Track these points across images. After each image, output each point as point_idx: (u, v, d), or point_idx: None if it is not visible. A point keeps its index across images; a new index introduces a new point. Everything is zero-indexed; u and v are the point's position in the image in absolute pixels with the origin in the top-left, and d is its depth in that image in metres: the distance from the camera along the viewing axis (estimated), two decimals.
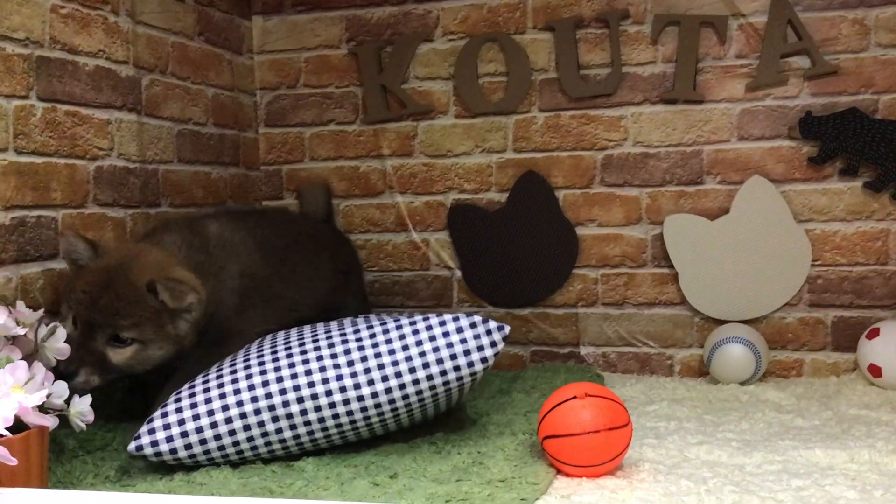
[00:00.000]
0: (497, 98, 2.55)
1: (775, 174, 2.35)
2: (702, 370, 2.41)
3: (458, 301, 2.61)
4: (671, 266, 2.42)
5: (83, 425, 1.50)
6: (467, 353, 1.64)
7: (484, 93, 2.55)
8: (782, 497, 1.40)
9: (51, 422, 1.40)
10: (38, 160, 1.80)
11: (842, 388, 2.18)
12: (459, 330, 1.66)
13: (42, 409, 1.44)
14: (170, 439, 1.59)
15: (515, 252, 2.54)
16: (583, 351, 2.51)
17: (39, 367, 1.44)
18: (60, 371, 1.60)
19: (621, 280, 2.48)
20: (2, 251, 1.70)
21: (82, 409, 1.49)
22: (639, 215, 2.46)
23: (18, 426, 1.37)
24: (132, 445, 1.59)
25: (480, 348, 1.65)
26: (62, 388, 1.49)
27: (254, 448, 1.62)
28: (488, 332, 1.66)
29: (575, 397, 1.53)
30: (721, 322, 2.38)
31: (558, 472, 1.55)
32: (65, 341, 1.57)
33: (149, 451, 1.59)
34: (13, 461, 1.28)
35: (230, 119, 2.55)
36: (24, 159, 1.76)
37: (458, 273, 2.60)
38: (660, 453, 1.67)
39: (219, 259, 1.91)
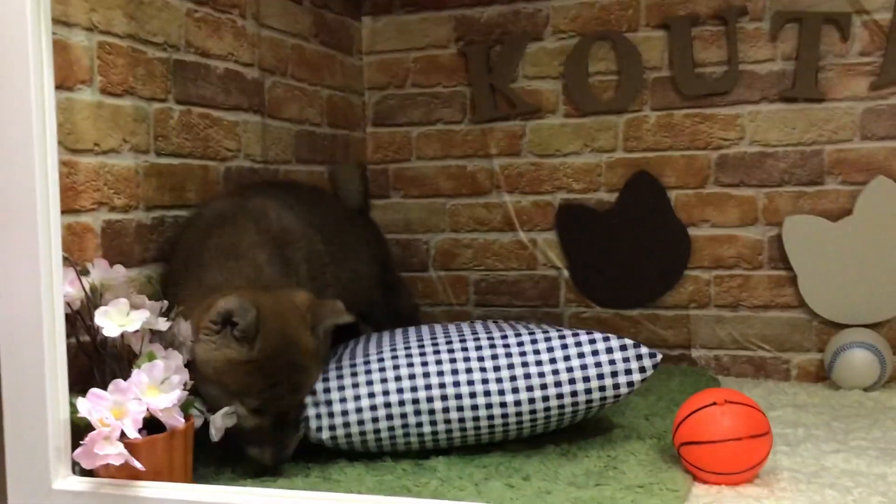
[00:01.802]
0: (607, 97, 2.52)
1: None
2: (819, 375, 2.35)
3: (564, 301, 2.60)
4: (789, 268, 2.37)
5: (215, 434, 1.53)
6: (615, 374, 1.66)
7: (594, 92, 2.54)
8: None
9: (181, 422, 1.43)
10: (175, 161, 1.85)
11: None
12: (609, 350, 1.67)
13: (187, 405, 1.49)
14: (332, 427, 1.64)
15: (625, 252, 2.52)
16: (694, 353, 2.48)
17: (175, 365, 1.47)
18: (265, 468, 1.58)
19: (735, 282, 2.43)
20: (144, 250, 1.75)
21: (219, 424, 1.53)
22: (755, 216, 2.41)
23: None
24: (313, 433, 1.63)
25: (628, 371, 1.66)
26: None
27: (393, 439, 1.65)
28: (639, 357, 1.68)
29: (714, 403, 1.51)
30: (841, 326, 2.32)
31: (695, 479, 1.53)
32: (248, 429, 1.55)
33: (325, 435, 1.64)
34: (140, 467, 1.32)
35: (342, 119, 2.58)
36: (163, 161, 1.81)
37: (566, 273, 2.59)
38: (795, 461, 1.64)
39: (292, 259, 1.79)
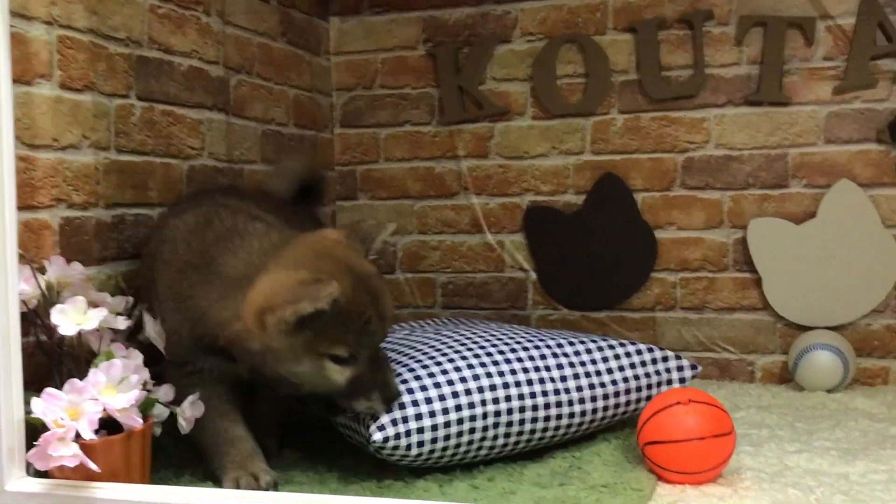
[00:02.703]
0: (575, 99, 2.53)
1: (863, 178, 2.31)
2: (784, 377, 2.37)
3: (532, 303, 2.60)
4: (754, 270, 2.38)
5: (185, 425, 1.51)
6: (659, 384, 1.76)
7: (562, 94, 2.54)
8: None
9: (139, 423, 1.40)
10: (137, 159, 1.83)
11: None
12: (654, 361, 1.76)
13: (147, 406, 1.46)
14: (408, 434, 1.49)
15: (592, 255, 2.52)
16: None
17: (136, 365, 1.44)
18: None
19: (701, 284, 2.45)
20: (103, 248, 1.72)
21: (188, 414, 1.50)
22: (720, 219, 2.42)
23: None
24: (378, 436, 1.47)
25: (670, 382, 1.77)
26: (164, 390, 1.51)
27: (467, 453, 1.57)
28: (679, 369, 1.79)
29: (678, 403, 1.51)
30: (805, 328, 2.33)
31: (659, 478, 1.53)
32: (345, 385, 1.44)
33: (391, 444, 1.48)
34: (95, 468, 1.29)
35: (309, 120, 2.56)
36: (124, 157, 1.79)
37: (533, 275, 2.59)
38: (759, 461, 1.64)
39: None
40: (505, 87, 2.59)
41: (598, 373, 1.70)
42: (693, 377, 1.80)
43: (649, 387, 1.75)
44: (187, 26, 1.99)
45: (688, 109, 2.44)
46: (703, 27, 2.40)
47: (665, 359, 1.78)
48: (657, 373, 1.76)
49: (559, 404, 1.63)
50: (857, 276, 2.30)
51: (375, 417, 1.48)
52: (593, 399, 1.67)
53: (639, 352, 1.76)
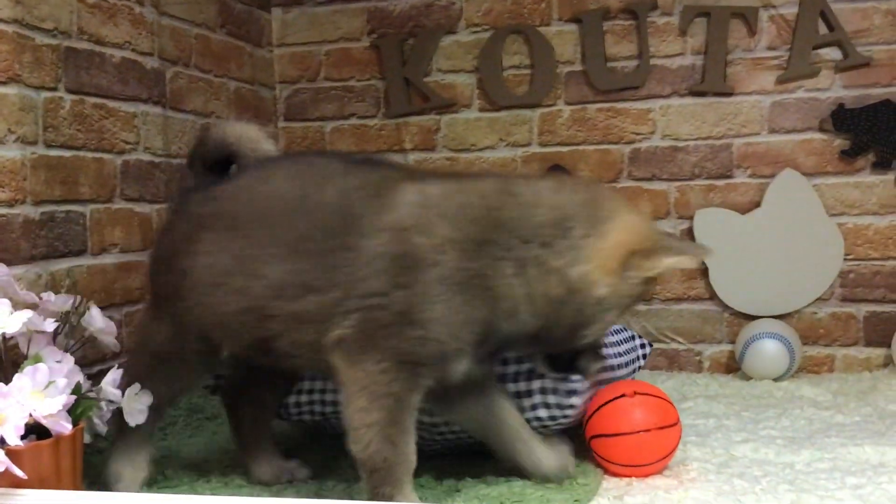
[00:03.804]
0: (522, 91, 2.51)
1: (807, 167, 2.32)
2: (731, 366, 2.37)
3: None
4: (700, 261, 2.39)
5: (140, 418, 1.46)
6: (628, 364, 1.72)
7: (508, 86, 2.52)
8: (840, 496, 1.37)
9: (67, 429, 1.35)
10: (67, 154, 1.76)
11: (877, 384, 2.15)
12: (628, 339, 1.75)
13: (78, 409, 1.41)
14: None
15: None
16: None
17: (67, 369, 1.39)
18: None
19: None
20: (32, 247, 1.66)
21: (137, 406, 1.45)
22: (667, 209, 2.42)
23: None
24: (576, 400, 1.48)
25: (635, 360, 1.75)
26: (114, 375, 1.46)
27: None
28: (642, 346, 1.79)
29: (624, 395, 1.50)
30: (752, 317, 2.34)
31: (605, 471, 1.52)
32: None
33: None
34: (21, 475, 1.24)
35: (251, 113, 2.51)
36: (53, 153, 1.72)
37: None
38: (705, 452, 1.64)
39: None
40: (451, 78, 2.56)
41: None
42: (645, 357, 1.79)
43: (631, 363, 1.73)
44: (119, 17, 1.92)
45: (633, 100, 2.43)
46: (648, 17, 2.40)
47: (632, 338, 1.76)
48: (631, 350, 1.74)
49: None
50: (802, 265, 2.31)
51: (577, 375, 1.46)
52: None
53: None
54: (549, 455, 1.45)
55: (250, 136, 1.45)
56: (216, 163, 1.48)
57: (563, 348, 1.35)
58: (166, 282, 1.44)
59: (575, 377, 1.46)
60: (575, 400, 1.48)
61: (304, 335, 1.31)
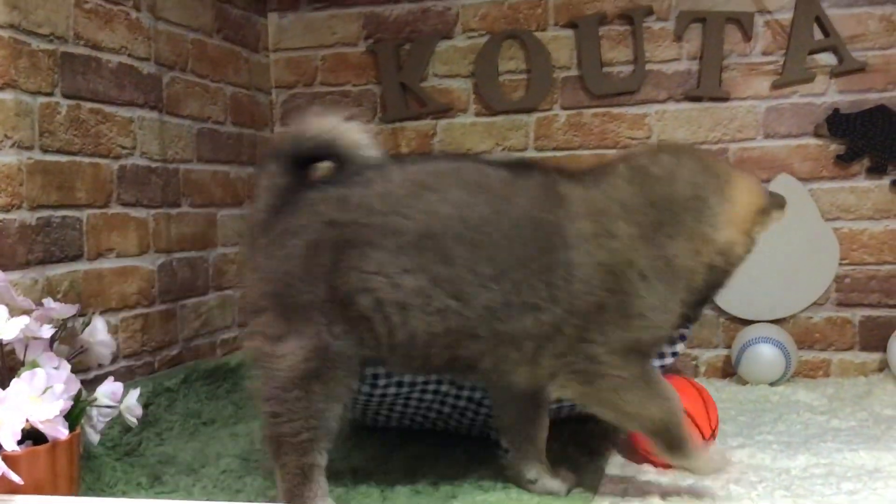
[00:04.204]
0: (518, 96, 2.51)
1: (802, 172, 2.33)
2: (727, 371, 2.38)
3: None
4: None
5: (134, 420, 1.47)
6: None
7: (504, 91, 2.52)
8: (836, 501, 1.38)
9: (64, 434, 1.35)
10: (63, 159, 1.76)
11: (872, 389, 2.16)
12: None
13: (74, 414, 1.41)
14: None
15: None
16: None
17: (63, 375, 1.39)
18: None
19: None
20: (28, 252, 1.65)
21: (130, 403, 1.46)
22: None
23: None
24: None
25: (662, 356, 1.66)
26: (111, 388, 1.46)
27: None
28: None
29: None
30: (747, 322, 2.35)
31: (653, 465, 1.57)
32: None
33: None
34: (18, 480, 1.24)
35: (247, 118, 2.51)
36: (49, 158, 1.72)
37: None
38: None
39: None
40: (447, 83, 2.56)
41: None
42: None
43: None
44: (116, 22, 1.92)
45: (629, 105, 2.44)
46: (644, 23, 2.40)
47: None
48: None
49: None
50: (797, 270, 2.32)
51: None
52: None
53: None
54: (553, 474, 1.48)
55: (351, 134, 1.36)
56: (307, 160, 1.38)
57: (697, 307, 1.43)
58: (312, 297, 1.30)
59: (686, 326, 1.51)
60: (680, 346, 1.61)
61: (517, 353, 1.31)
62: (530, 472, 1.46)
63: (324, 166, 1.40)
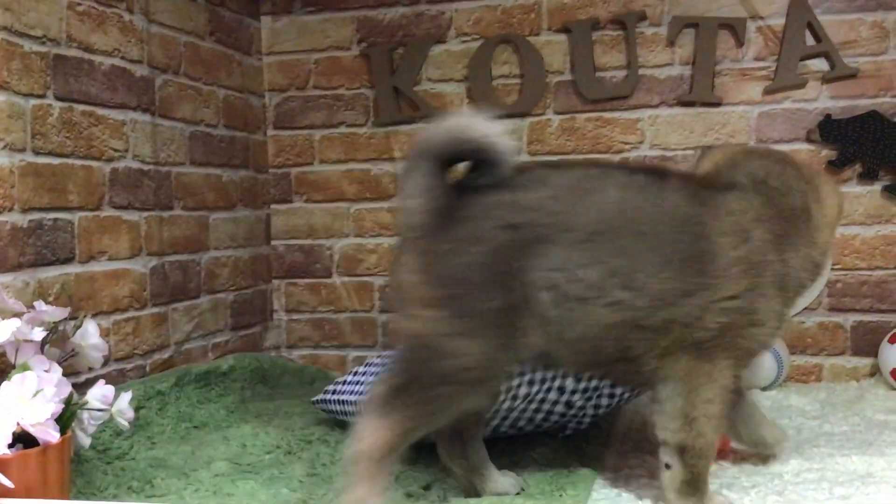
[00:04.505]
0: (511, 100, 2.51)
1: None
2: None
3: None
4: None
5: (126, 423, 1.46)
6: None
7: (498, 95, 2.52)
8: None
9: (55, 437, 1.34)
10: (55, 161, 1.75)
11: (864, 394, 2.16)
12: None
13: (65, 418, 1.40)
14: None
15: None
16: None
17: (54, 378, 1.39)
18: None
19: None
20: (20, 254, 1.65)
21: (122, 406, 1.45)
22: None
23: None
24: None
25: None
26: (102, 391, 1.46)
27: None
28: None
29: None
30: None
31: None
32: None
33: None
34: (8, 484, 1.23)
35: (240, 121, 2.50)
36: (41, 160, 1.71)
37: None
38: None
39: None
40: (440, 87, 2.56)
41: None
42: None
43: None
44: (108, 24, 1.92)
45: (622, 110, 2.44)
46: (637, 28, 2.41)
47: None
48: None
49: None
50: None
51: None
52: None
53: None
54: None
55: (495, 135, 1.35)
56: (454, 160, 1.37)
57: None
58: (491, 303, 1.31)
59: None
60: None
61: (662, 341, 1.35)
62: (486, 476, 1.48)
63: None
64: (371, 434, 1.30)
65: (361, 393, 1.79)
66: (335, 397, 1.89)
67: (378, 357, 1.92)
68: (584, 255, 1.32)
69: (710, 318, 1.34)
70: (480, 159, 1.34)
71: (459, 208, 1.33)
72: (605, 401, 1.72)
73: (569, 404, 1.70)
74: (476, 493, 1.45)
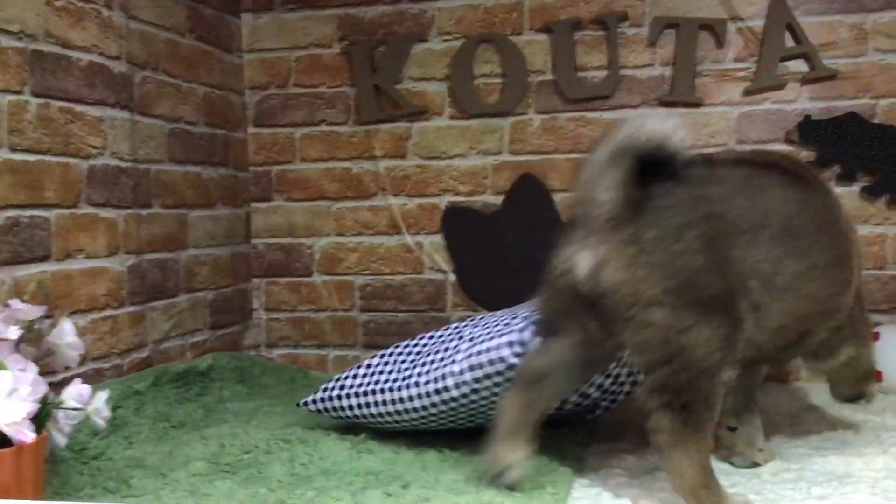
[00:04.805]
0: (493, 100, 2.51)
1: None
2: None
3: (451, 305, 2.57)
4: None
5: (102, 423, 1.44)
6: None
7: (480, 94, 2.52)
8: None
9: (30, 437, 1.33)
10: (32, 158, 1.73)
11: None
12: None
13: (41, 417, 1.39)
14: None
15: (511, 255, 2.51)
16: None
17: (30, 377, 1.37)
18: None
19: None
20: None
21: (98, 406, 1.44)
22: None
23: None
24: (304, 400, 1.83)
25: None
26: (78, 390, 1.44)
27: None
28: None
29: None
30: None
31: None
32: None
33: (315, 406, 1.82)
34: None
35: (220, 119, 2.49)
36: (17, 157, 1.69)
37: (452, 277, 2.57)
38: None
39: None
40: (422, 86, 2.56)
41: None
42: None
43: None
44: (87, 20, 1.90)
45: (603, 110, 2.44)
46: (618, 28, 2.41)
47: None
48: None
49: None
50: None
51: None
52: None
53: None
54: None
55: (678, 133, 1.38)
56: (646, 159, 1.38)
57: None
58: (712, 281, 1.35)
59: None
60: None
61: (832, 321, 1.55)
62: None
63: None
64: (691, 464, 1.33)
65: (381, 386, 1.76)
66: (342, 392, 1.80)
67: (395, 347, 1.88)
68: (783, 249, 1.42)
69: (849, 296, 1.55)
70: (664, 156, 1.38)
71: (653, 199, 1.36)
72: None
73: (602, 387, 1.74)
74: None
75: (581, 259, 1.38)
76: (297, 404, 1.89)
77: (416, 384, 1.68)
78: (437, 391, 1.65)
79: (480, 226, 2.53)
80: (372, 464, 1.63)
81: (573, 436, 1.75)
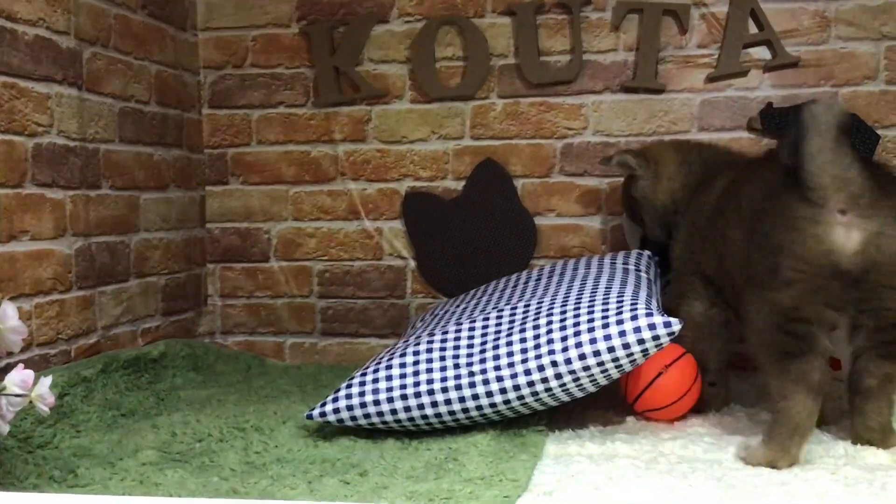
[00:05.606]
0: (454, 83, 2.47)
1: None
2: None
3: (411, 292, 2.53)
4: None
5: (46, 409, 1.39)
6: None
7: (441, 78, 2.48)
8: (769, 492, 1.37)
9: None
10: None
11: None
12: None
13: None
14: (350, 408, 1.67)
15: (471, 242, 2.48)
16: None
17: None
18: None
19: None
20: None
21: (42, 392, 1.38)
22: (598, 205, 2.42)
23: None
24: (315, 412, 1.68)
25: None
26: (21, 376, 1.38)
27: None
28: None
29: (660, 374, 1.81)
30: None
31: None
32: None
33: (331, 417, 1.69)
34: None
35: (173, 98, 2.42)
36: None
37: (412, 263, 2.53)
38: (634, 448, 1.63)
39: None
40: (383, 68, 2.51)
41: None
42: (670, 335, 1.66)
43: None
44: None
45: (566, 95, 2.42)
46: (581, 12, 2.39)
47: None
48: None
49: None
50: None
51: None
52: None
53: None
54: None
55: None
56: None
57: None
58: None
59: None
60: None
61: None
62: None
63: None
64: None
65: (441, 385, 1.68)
66: (377, 397, 1.68)
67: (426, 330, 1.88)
68: None
69: None
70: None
71: (885, 175, 1.57)
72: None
73: None
74: None
75: (845, 237, 1.50)
76: (309, 416, 1.70)
77: (500, 378, 1.64)
78: (530, 383, 1.62)
79: (441, 211, 2.49)
80: (329, 452, 1.59)
81: (533, 422, 1.73)
